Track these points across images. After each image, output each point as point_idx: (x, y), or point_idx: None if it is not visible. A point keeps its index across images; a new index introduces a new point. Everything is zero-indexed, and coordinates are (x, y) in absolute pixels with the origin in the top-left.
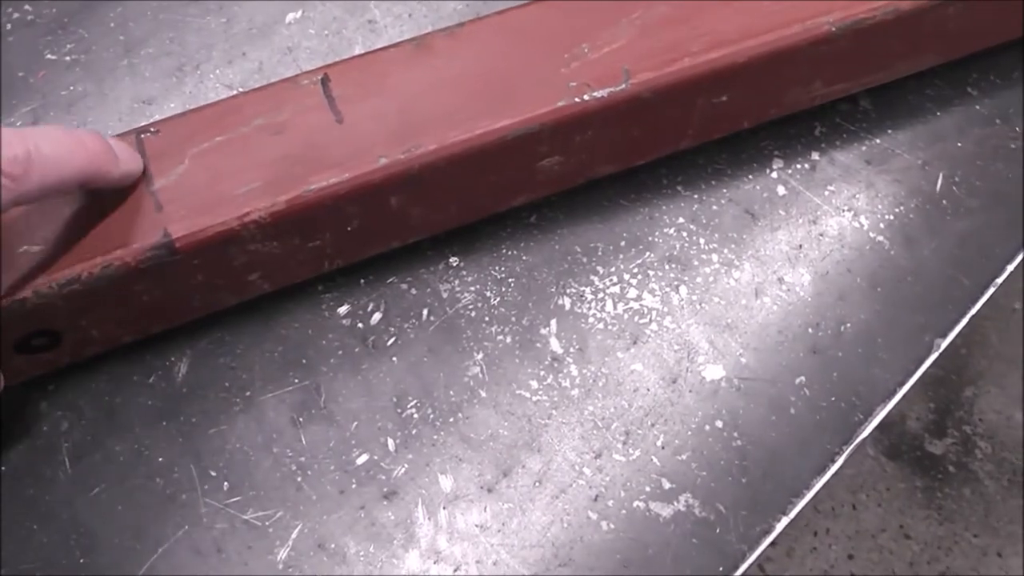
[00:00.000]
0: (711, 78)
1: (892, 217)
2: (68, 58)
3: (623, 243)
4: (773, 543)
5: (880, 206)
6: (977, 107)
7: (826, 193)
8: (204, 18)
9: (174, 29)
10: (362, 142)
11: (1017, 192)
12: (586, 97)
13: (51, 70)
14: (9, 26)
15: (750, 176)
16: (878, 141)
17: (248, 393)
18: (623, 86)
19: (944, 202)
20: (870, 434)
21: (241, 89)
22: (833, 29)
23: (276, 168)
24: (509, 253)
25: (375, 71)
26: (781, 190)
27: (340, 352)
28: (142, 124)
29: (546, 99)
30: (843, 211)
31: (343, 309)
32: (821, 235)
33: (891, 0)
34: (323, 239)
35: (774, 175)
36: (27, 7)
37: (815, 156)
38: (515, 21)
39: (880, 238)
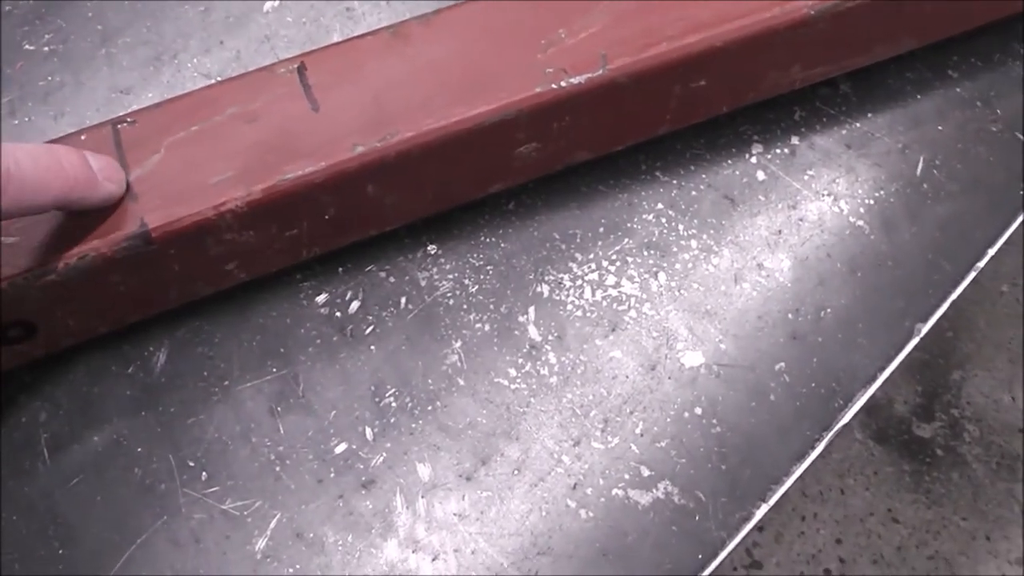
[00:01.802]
0: (688, 62)
1: (872, 202)
2: (46, 48)
3: (601, 229)
4: (760, 528)
5: (860, 191)
6: (958, 90)
7: (806, 178)
8: (182, 7)
9: (151, 18)
10: (338, 130)
11: (998, 175)
12: (563, 83)
13: (29, 61)
14: None
15: (729, 161)
16: (858, 125)
17: (226, 383)
18: (600, 72)
19: (924, 186)
20: (857, 418)
21: (219, 78)
22: (812, 13)
23: (252, 157)
24: (487, 240)
25: (351, 59)
26: (760, 175)
27: (318, 341)
28: (119, 115)
29: (523, 85)
30: (823, 196)
31: (321, 298)
32: (801, 220)
33: None
34: (300, 228)
35: (753, 160)
36: None
37: (795, 140)
38: (491, 8)
39: (860, 223)
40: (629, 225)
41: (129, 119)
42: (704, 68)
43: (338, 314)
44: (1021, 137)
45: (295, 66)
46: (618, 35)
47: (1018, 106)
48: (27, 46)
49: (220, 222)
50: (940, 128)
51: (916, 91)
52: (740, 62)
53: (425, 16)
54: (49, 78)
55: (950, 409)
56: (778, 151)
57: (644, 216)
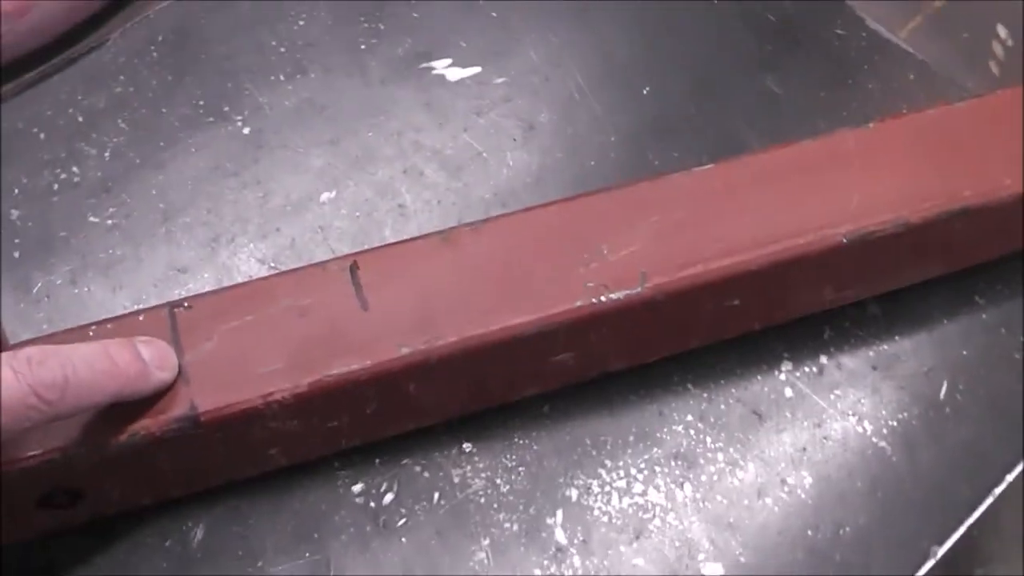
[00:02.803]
0: (723, 283)
1: (895, 423)
2: (109, 221)
3: (631, 438)
4: None
5: (884, 411)
6: (983, 316)
7: (832, 397)
8: (241, 191)
9: (212, 200)
10: (384, 330)
11: (1018, 402)
12: (603, 298)
13: (92, 232)
14: (56, 186)
15: (759, 377)
16: (885, 347)
17: (260, 563)
18: (639, 289)
19: (947, 409)
20: None
21: (273, 264)
22: (844, 240)
23: (301, 350)
24: (520, 442)
25: (402, 261)
26: (788, 392)
27: (352, 529)
28: (175, 296)
29: (564, 298)
30: (848, 415)
31: (357, 487)
32: (825, 438)
33: (900, 213)
34: (341, 420)
35: (782, 377)
36: (74, 169)
37: (823, 360)
38: (537, 219)
39: (882, 443)
40: (658, 435)
41: (186, 304)
42: (737, 289)
43: (372, 504)
44: None
45: (348, 264)
46: (657, 253)
47: None
48: (92, 218)
49: (266, 411)
50: (964, 353)
51: (943, 315)
52: (773, 284)
53: (474, 224)
54: (110, 251)
55: None
56: (807, 369)
57: (673, 427)
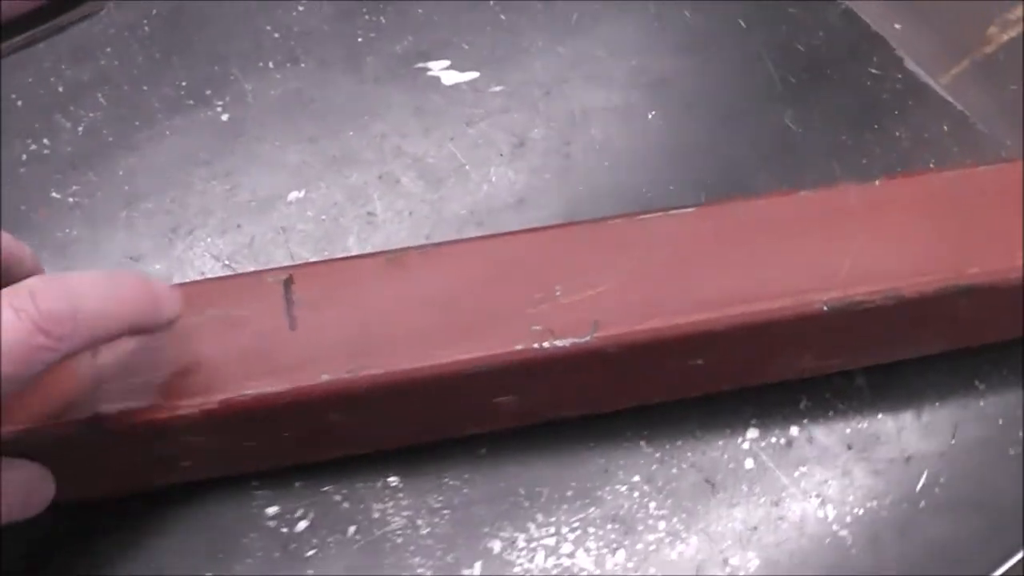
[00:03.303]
0: (685, 341)
1: (861, 512)
2: (71, 200)
3: (570, 492)
4: None
5: (851, 497)
6: (981, 403)
7: (796, 474)
8: (210, 182)
9: (178, 188)
10: (309, 353)
11: (1004, 504)
12: (547, 344)
13: (53, 209)
14: (24, 157)
15: (720, 442)
16: (865, 425)
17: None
18: (587, 338)
19: (922, 503)
20: None
21: (227, 262)
22: (825, 308)
23: (218, 365)
24: (451, 483)
25: (342, 280)
26: (749, 463)
27: (259, 553)
28: None
29: (505, 340)
30: (810, 496)
31: (272, 510)
32: (781, 519)
33: (893, 285)
34: (258, 440)
35: (745, 445)
36: (46, 141)
37: (794, 431)
38: (494, 249)
39: (843, 532)
40: (600, 493)
41: None
42: (701, 348)
43: (284, 530)
44: None
45: (283, 278)
46: (615, 301)
47: None
48: (55, 194)
49: (174, 424)
50: (953, 442)
51: (936, 397)
52: (743, 347)
53: (426, 248)
54: (68, 230)
55: None
56: (774, 440)
57: (617, 486)
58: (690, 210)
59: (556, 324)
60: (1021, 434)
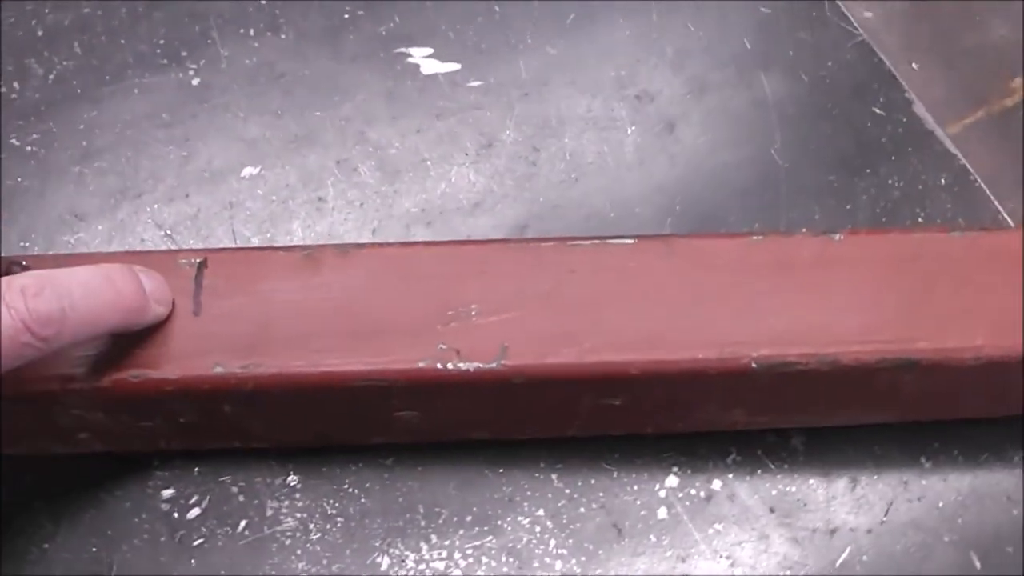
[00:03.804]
0: (597, 380)
1: None
2: (29, 148)
3: (470, 518)
4: None
5: (764, 563)
6: (923, 482)
7: (710, 531)
8: (167, 146)
9: (134, 149)
10: (206, 343)
11: None
12: (449, 365)
13: (9, 156)
14: None
15: (635, 487)
16: (793, 489)
17: (46, 545)
18: (493, 365)
19: None
20: None
21: (168, 232)
22: (754, 365)
23: (117, 344)
24: (350, 490)
25: (255, 270)
26: (663, 512)
27: (146, 536)
28: (21, 254)
29: (408, 355)
30: (720, 556)
31: (167, 492)
32: None
33: (829, 350)
34: (154, 422)
35: (662, 493)
36: (15, 84)
37: (715, 486)
38: (417, 258)
39: None
40: (500, 523)
41: (23, 263)
42: (617, 389)
43: (176, 515)
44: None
45: (197, 261)
46: (531, 329)
47: (987, 527)
48: (14, 140)
49: (66, 399)
50: (884, 519)
51: (875, 469)
52: (663, 393)
53: (345, 247)
54: (19, 179)
55: None
56: (693, 492)
57: (520, 518)
58: (629, 242)
59: (464, 345)
60: (960, 521)
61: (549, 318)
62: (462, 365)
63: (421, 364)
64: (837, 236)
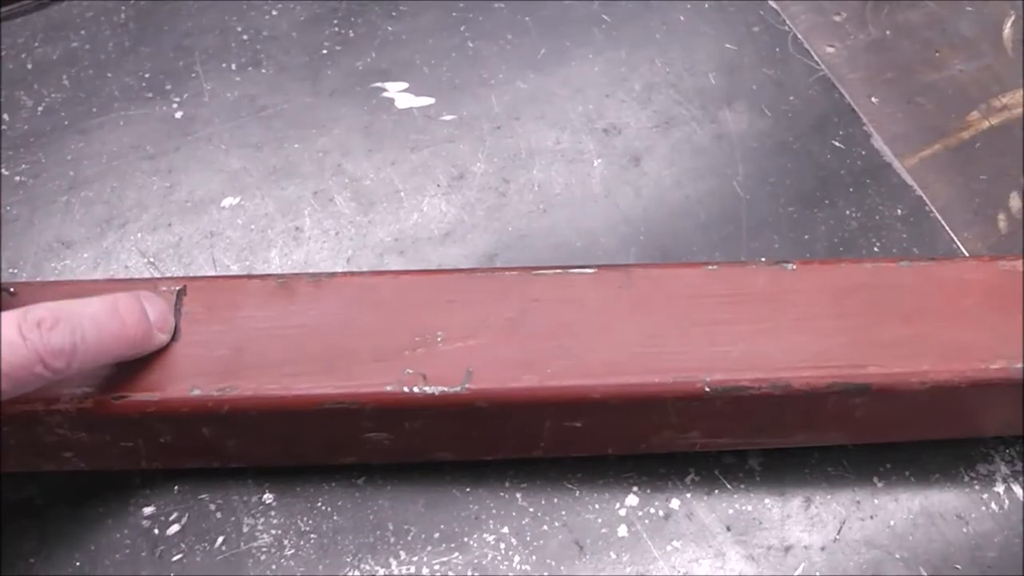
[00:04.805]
0: (559, 404)
1: None
2: (18, 178)
3: (437, 535)
4: None
5: None
6: (875, 501)
7: (668, 548)
8: (151, 176)
9: (120, 179)
10: (185, 367)
11: None
12: (415, 389)
13: None
14: None
15: (597, 506)
16: (749, 508)
17: (32, 560)
18: (458, 389)
19: None
20: None
21: (152, 260)
22: (707, 390)
23: (100, 366)
24: (323, 508)
25: (231, 298)
26: (623, 530)
27: (127, 551)
28: (7, 282)
29: (376, 379)
30: (678, 573)
31: (148, 509)
32: None
33: (781, 375)
34: (135, 443)
35: (622, 512)
36: (5, 116)
37: (674, 504)
38: (386, 286)
39: None
40: (466, 540)
41: (12, 289)
42: (579, 412)
43: (157, 531)
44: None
45: (177, 288)
46: (495, 355)
47: (937, 545)
48: (3, 170)
49: (50, 418)
50: (836, 537)
51: (829, 489)
52: (622, 416)
53: (317, 276)
54: (8, 208)
55: None
56: (652, 511)
57: (485, 535)
58: (590, 271)
59: (430, 370)
60: (911, 539)
61: (513, 344)
62: (428, 389)
63: (389, 388)
64: (790, 266)
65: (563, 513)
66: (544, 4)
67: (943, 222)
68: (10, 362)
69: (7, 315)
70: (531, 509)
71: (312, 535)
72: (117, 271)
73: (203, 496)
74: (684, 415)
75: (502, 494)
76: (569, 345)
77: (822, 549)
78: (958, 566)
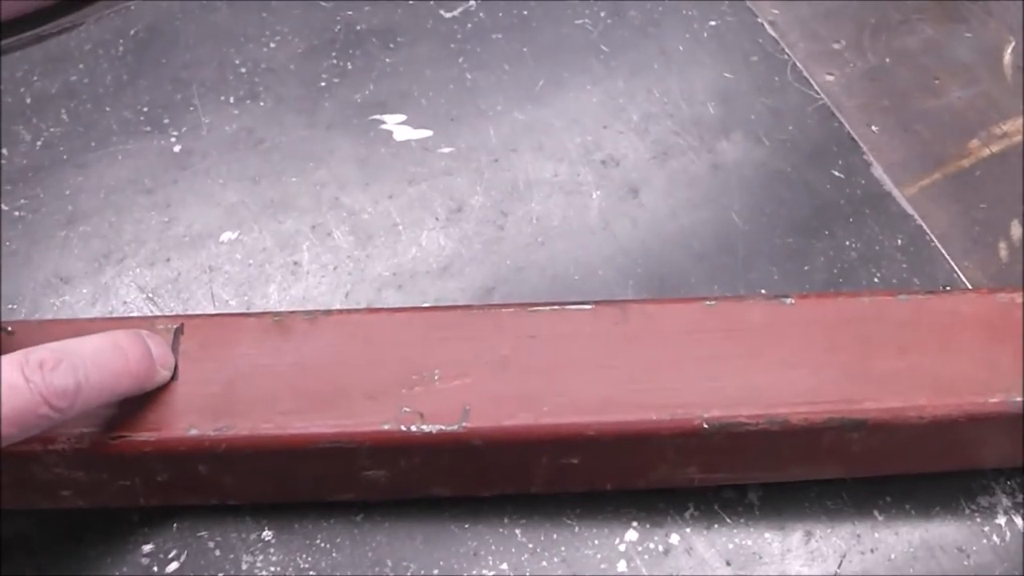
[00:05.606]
0: (556, 441)
1: None
2: (16, 213)
3: (436, 572)
4: None
5: None
6: (875, 535)
7: None
8: (149, 211)
9: (118, 213)
10: (182, 406)
11: None
12: (413, 428)
13: None
14: None
15: (596, 541)
16: (749, 542)
17: None
18: (456, 427)
19: None
20: None
21: (150, 295)
22: (705, 426)
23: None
24: (322, 545)
25: (228, 336)
26: (622, 566)
27: None
28: (4, 321)
29: (372, 418)
30: None
31: (147, 547)
32: None
33: (778, 411)
34: (133, 481)
35: (621, 547)
36: (4, 151)
37: (673, 540)
38: (382, 324)
39: None
40: None
41: (9, 328)
42: (576, 449)
43: (156, 569)
44: None
45: (175, 327)
46: (491, 392)
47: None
48: (2, 205)
49: (47, 458)
50: (837, 571)
51: (829, 523)
52: (619, 453)
53: (314, 314)
54: (7, 243)
55: None
56: (651, 545)
57: (484, 572)
58: (586, 308)
59: (427, 408)
60: (912, 572)
61: (509, 381)
62: (425, 427)
63: (386, 426)
64: (788, 300)
65: (562, 549)
66: (541, 33)
67: (943, 251)
68: (14, 406)
69: (8, 358)
70: (530, 545)
71: (311, 572)
72: (115, 307)
73: (202, 533)
74: (682, 451)
75: (501, 530)
76: (565, 382)
77: None
78: None
